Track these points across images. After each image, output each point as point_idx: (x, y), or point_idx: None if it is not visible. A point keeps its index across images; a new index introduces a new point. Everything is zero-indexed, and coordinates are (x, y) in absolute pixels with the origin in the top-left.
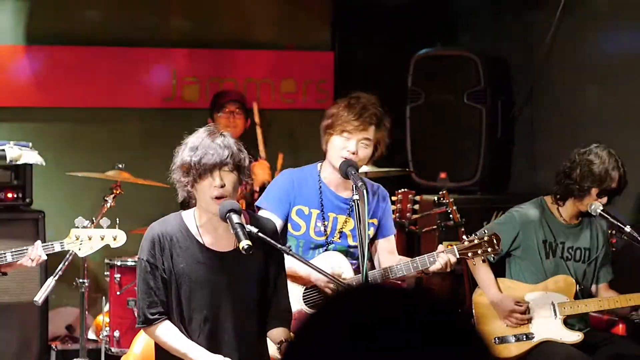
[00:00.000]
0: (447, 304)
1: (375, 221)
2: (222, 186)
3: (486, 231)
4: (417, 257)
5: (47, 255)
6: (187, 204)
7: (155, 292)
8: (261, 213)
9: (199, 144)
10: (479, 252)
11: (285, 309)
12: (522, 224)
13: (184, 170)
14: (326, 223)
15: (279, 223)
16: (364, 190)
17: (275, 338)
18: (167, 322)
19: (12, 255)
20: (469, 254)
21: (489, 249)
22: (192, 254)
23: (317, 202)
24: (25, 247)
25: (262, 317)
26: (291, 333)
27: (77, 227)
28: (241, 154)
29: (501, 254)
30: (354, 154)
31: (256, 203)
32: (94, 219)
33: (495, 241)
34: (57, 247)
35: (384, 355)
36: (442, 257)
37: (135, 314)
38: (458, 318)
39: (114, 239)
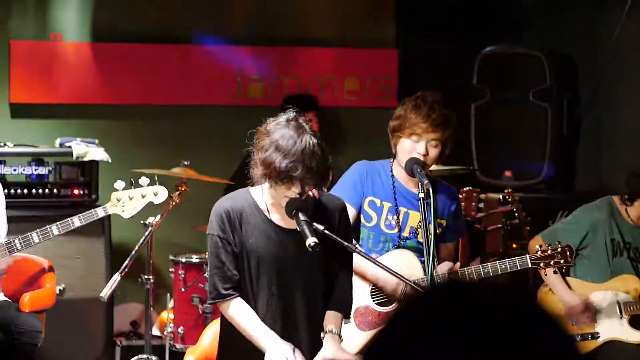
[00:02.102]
0: (535, 304)
1: (443, 222)
2: (300, 194)
3: (558, 241)
4: (488, 264)
5: (90, 222)
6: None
7: (228, 267)
8: None
9: (289, 150)
10: (552, 262)
11: (345, 297)
12: (591, 224)
13: (267, 170)
14: (397, 217)
15: (352, 213)
16: (429, 189)
17: (326, 322)
18: (240, 299)
19: (57, 228)
20: (541, 264)
21: (562, 261)
22: (261, 229)
23: (390, 195)
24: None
25: (327, 296)
26: (366, 331)
27: (117, 190)
28: (325, 164)
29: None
30: (424, 155)
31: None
32: (132, 180)
33: (568, 253)
34: (100, 213)
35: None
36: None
37: (203, 306)
38: (552, 319)
39: (155, 195)
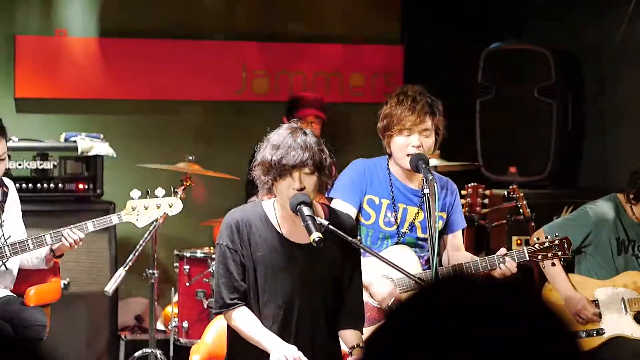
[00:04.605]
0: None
1: (444, 215)
2: (302, 189)
3: (558, 234)
4: (486, 257)
5: (105, 228)
6: (250, 190)
7: (235, 278)
8: (335, 203)
9: (281, 143)
10: (549, 255)
11: (357, 312)
12: (596, 221)
13: (265, 168)
14: (396, 214)
15: (353, 212)
16: (435, 184)
17: (348, 341)
18: (245, 307)
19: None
20: (539, 257)
21: (559, 253)
22: (270, 243)
23: (388, 192)
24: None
25: (335, 313)
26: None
27: (133, 199)
28: (322, 154)
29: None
30: (418, 147)
31: (329, 194)
32: (148, 190)
33: (566, 245)
34: (114, 220)
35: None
36: (508, 264)
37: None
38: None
39: (170, 206)
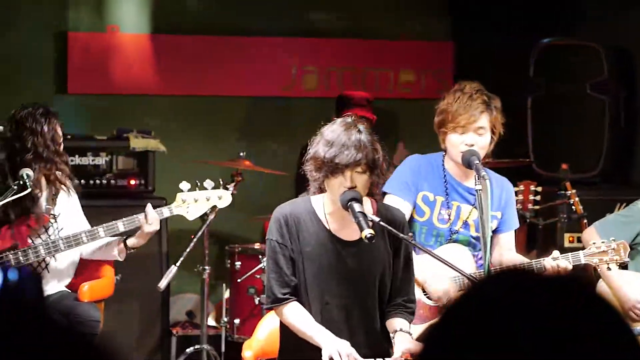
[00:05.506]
0: (595, 294)
1: (498, 214)
2: (353, 187)
3: (610, 231)
4: (540, 259)
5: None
6: (301, 185)
7: (285, 272)
8: (388, 198)
9: (335, 140)
10: (605, 259)
11: (408, 299)
12: None
13: (317, 164)
14: (450, 211)
15: (407, 208)
16: (487, 181)
17: (391, 327)
18: (296, 302)
19: (124, 224)
20: (595, 260)
21: (616, 257)
22: (319, 239)
23: (442, 189)
24: (135, 216)
25: (383, 309)
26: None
27: (182, 191)
28: (376, 153)
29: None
30: (472, 146)
31: (383, 189)
32: (197, 182)
33: (622, 250)
34: (166, 212)
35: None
36: (562, 266)
37: (259, 297)
38: (616, 311)
39: (219, 199)
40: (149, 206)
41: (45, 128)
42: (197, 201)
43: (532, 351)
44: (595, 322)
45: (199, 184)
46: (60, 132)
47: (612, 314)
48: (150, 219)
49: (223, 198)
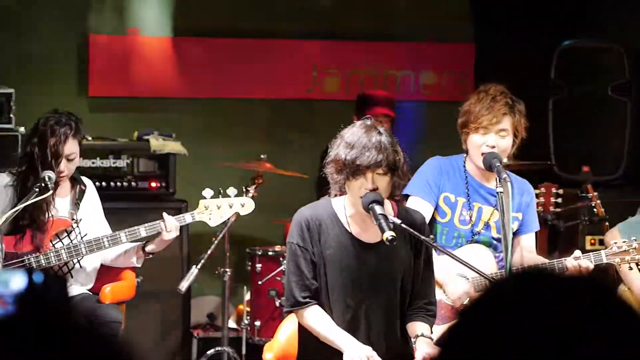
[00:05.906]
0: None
1: (519, 215)
2: (374, 189)
3: (632, 233)
4: (562, 259)
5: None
6: (322, 188)
7: (306, 276)
8: (411, 200)
9: (355, 142)
10: (627, 258)
11: (429, 301)
12: None
13: (338, 166)
14: (471, 212)
15: (429, 209)
16: (508, 183)
17: (412, 331)
18: (317, 306)
19: (145, 230)
20: (616, 260)
21: (637, 257)
22: (340, 241)
23: (464, 190)
24: (158, 221)
25: (404, 312)
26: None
27: (205, 198)
28: (397, 155)
29: None
30: (493, 147)
31: (404, 191)
32: (220, 189)
33: None
34: (188, 219)
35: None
36: (583, 265)
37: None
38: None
39: (242, 206)
40: (165, 215)
41: (52, 141)
42: (220, 208)
43: (538, 351)
44: (603, 323)
45: (222, 191)
46: (68, 147)
47: (624, 315)
48: (169, 227)
49: (246, 205)
